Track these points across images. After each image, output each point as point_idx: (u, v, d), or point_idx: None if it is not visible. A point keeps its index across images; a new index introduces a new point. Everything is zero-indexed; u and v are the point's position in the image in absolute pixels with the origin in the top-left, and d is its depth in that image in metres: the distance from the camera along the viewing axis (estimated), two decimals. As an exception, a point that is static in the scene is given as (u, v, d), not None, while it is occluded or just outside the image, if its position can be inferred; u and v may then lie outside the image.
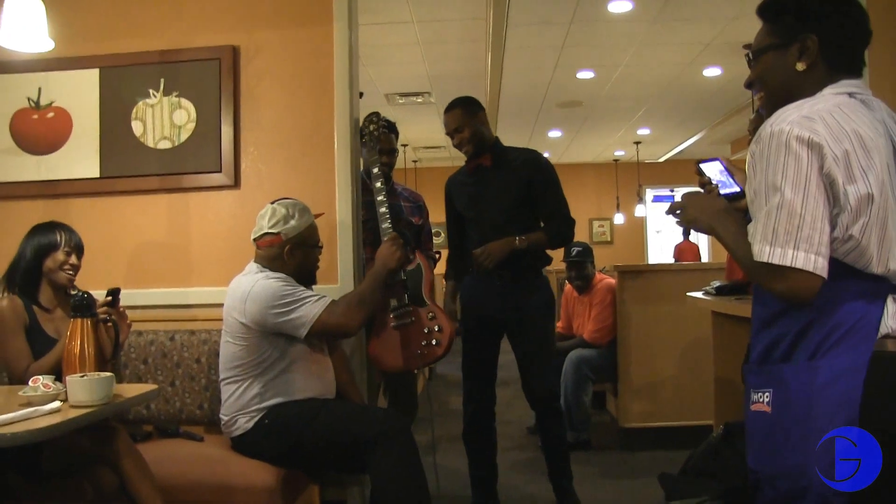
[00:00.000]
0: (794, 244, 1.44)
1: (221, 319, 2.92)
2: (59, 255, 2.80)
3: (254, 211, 3.21)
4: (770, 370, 1.60)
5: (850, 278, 1.50)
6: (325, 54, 3.36)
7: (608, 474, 4.42)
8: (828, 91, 1.59)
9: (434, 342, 3.13)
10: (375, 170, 3.25)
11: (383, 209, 3.18)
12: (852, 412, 1.46)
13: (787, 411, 1.54)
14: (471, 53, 7.23)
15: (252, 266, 2.92)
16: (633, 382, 4.99)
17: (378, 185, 3.21)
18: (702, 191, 1.84)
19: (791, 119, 1.48)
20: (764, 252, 1.47)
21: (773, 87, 1.68)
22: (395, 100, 8.92)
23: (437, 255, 3.89)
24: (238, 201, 3.39)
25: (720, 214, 1.69)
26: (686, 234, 12.14)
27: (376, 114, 3.42)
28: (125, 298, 3.23)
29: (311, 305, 2.76)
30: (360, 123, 3.48)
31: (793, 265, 1.44)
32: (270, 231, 2.88)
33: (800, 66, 1.63)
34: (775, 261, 1.46)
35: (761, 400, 1.60)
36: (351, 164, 3.33)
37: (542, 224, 3.58)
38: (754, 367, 1.66)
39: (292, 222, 2.88)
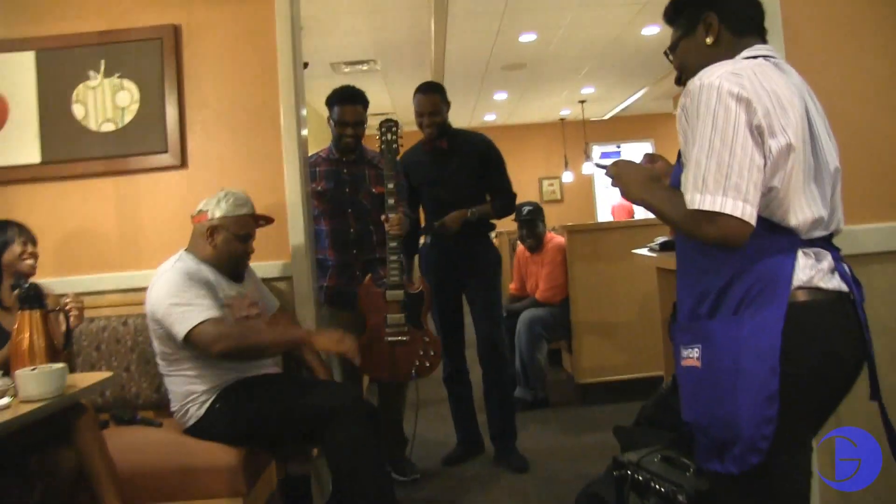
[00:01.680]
0: (722, 191, 1.51)
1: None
2: (16, 248, 2.81)
3: (202, 191, 3.21)
4: (698, 326, 1.68)
5: (767, 234, 1.59)
6: (266, 29, 3.33)
7: (567, 430, 4.54)
8: (745, 53, 1.71)
9: (427, 364, 3.43)
10: (391, 185, 3.44)
11: (392, 245, 3.42)
12: (773, 361, 1.55)
13: (715, 365, 1.63)
14: (415, 20, 7.19)
15: (179, 252, 2.94)
16: (587, 339, 5.11)
17: (391, 202, 3.42)
18: (631, 160, 1.92)
19: (720, 73, 1.57)
20: (695, 200, 1.54)
21: (694, 65, 1.77)
22: (341, 69, 8.83)
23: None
24: (186, 182, 3.36)
25: (647, 183, 1.78)
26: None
27: (391, 122, 3.56)
28: (76, 285, 3.20)
29: (192, 314, 2.69)
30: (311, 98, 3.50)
31: (722, 211, 1.51)
32: (201, 209, 2.93)
33: (709, 41, 1.79)
34: (706, 207, 1.52)
35: (691, 356, 1.68)
36: (298, 139, 3.32)
37: (488, 198, 4.01)
38: (683, 324, 1.75)
39: (222, 205, 2.90)
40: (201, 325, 2.67)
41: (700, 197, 1.53)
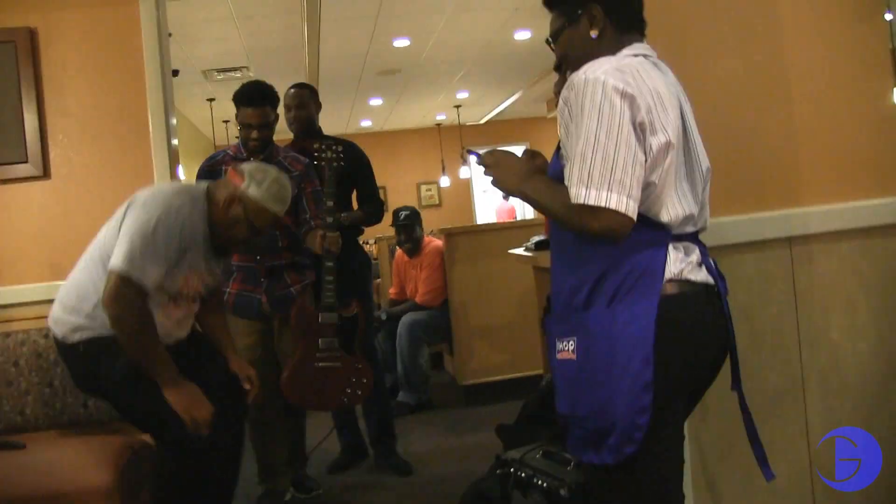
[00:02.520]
0: (607, 186, 1.54)
1: (39, 318, 2.82)
2: None
3: (67, 202, 3.08)
4: (573, 318, 1.71)
5: (641, 228, 1.62)
6: (132, 34, 3.19)
7: (451, 431, 4.60)
8: (625, 52, 1.74)
9: (359, 392, 3.31)
10: (330, 203, 3.36)
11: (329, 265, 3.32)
12: (647, 351, 1.60)
13: (590, 356, 1.66)
14: (287, 25, 7.11)
15: (206, 186, 2.68)
16: (467, 341, 5.20)
17: (329, 220, 3.32)
18: (510, 150, 1.93)
19: (605, 69, 1.60)
20: (580, 194, 1.56)
21: (576, 58, 1.78)
22: (213, 76, 8.63)
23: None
24: (49, 193, 3.19)
25: (526, 176, 1.79)
26: (505, 196, 12.60)
27: (331, 139, 3.54)
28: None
29: (130, 257, 2.39)
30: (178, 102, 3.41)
31: (607, 206, 1.54)
32: (244, 171, 2.65)
33: (593, 33, 1.78)
34: (591, 202, 1.55)
35: (566, 348, 1.71)
36: (168, 148, 3.21)
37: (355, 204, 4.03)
38: (558, 316, 1.77)
39: (262, 188, 2.60)
40: (123, 277, 2.39)
41: (585, 191, 1.56)
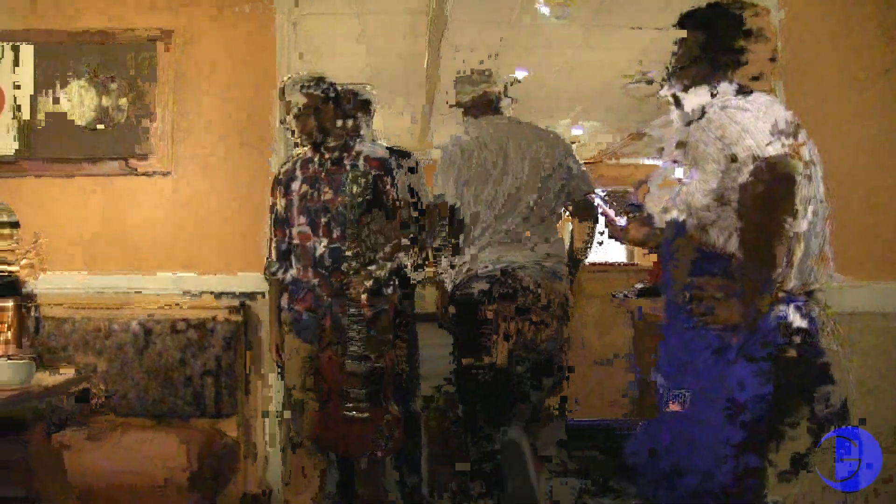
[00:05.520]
0: None
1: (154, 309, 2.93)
2: None
3: (187, 198, 3.18)
4: None
5: None
6: (266, 44, 3.32)
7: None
8: None
9: (384, 445, 2.98)
10: None
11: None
12: None
13: None
14: (410, 48, 7.22)
15: None
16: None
17: None
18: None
19: None
20: None
21: None
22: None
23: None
24: (171, 188, 3.31)
25: None
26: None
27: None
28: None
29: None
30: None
31: None
32: None
33: None
34: None
35: None
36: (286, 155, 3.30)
37: None
38: None
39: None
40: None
41: None
